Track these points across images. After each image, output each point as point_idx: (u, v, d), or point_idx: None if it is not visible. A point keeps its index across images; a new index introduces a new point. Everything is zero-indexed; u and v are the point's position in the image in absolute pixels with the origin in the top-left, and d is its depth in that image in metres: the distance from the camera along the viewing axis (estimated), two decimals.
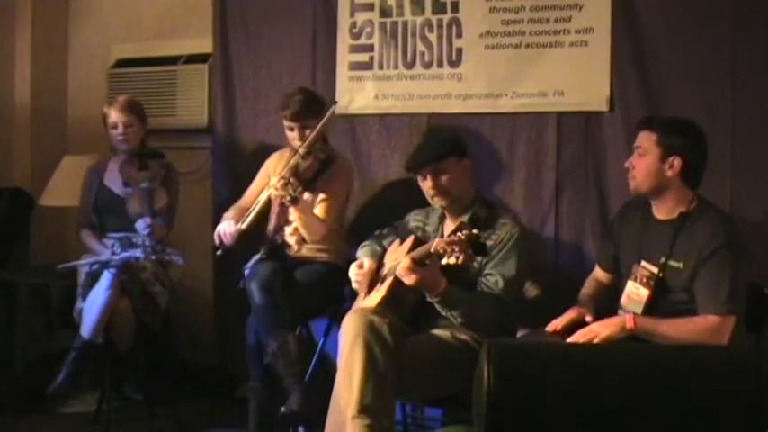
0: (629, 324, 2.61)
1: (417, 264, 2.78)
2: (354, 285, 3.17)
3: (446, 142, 3.11)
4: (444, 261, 2.63)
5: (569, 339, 2.67)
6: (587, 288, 3.03)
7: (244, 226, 3.49)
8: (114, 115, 3.82)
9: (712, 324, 2.54)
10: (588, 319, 2.80)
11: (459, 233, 2.65)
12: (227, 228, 3.51)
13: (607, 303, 2.91)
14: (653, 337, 2.59)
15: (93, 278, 3.55)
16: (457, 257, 2.59)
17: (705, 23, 3.35)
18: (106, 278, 3.49)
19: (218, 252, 3.54)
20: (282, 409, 3.18)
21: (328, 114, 3.51)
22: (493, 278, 2.91)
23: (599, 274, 3.06)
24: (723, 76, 3.31)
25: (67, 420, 3.86)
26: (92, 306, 3.50)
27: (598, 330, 2.65)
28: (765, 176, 3.28)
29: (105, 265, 3.51)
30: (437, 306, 2.88)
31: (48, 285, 4.12)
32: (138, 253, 3.52)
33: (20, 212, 4.42)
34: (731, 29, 3.29)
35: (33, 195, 4.41)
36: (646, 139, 2.73)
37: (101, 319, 3.48)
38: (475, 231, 2.65)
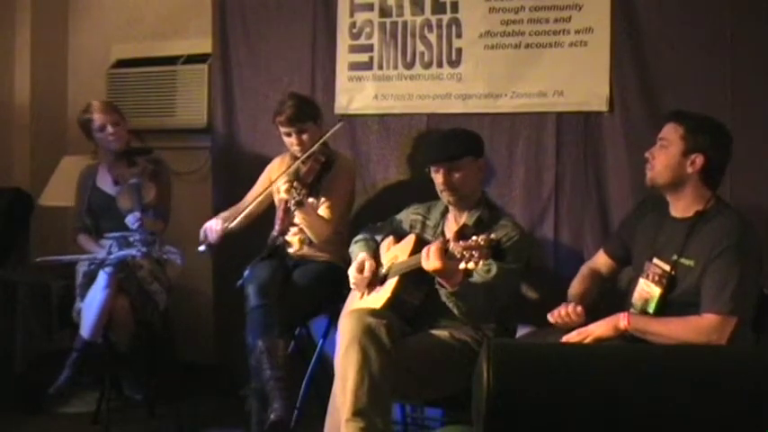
0: (623, 323, 2.60)
1: (445, 252, 2.71)
2: (352, 287, 3.17)
3: (466, 141, 3.11)
4: (462, 266, 2.60)
5: (563, 339, 2.67)
6: (577, 286, 2.99)
7: (231, 225, 3.52)
8: (99, 117, 3.83)
9: (709, 323, 2.51)
10: (579, 310, 2.78)
11: (476, 237, 2.60)
12: (215, 225, 3.55)
13: (599, 303, 2.91)
14: (646, 336, 2.58)
15: (91, 278, 3.56)
16: (476, 263, 2.56)
17: (705, 23, 3.35)
18: (103, 277, 3.49)
19: (201, 248, 3.56)
20: (272, 416, 3.18)
21: (335, 128, 3.53)
22: (486, 267, 2.87)
23: (600, 261, 3.02)
24: (722, 76, 3.31)
25: (67, 420, 3.86)
26: (90, 306, 3.50)
27: (591, 330, 2.65)
28: (765, 176, 3.28)
29: (101, 264, 3.51)
30: (444, 296, 2.84)
31: (48, 285, 4.12)
32: (134, 251, 3.53)
33: (20, 212, 4.42)
34: (731, 29, 3.29)
35: (33, 195, 4.41)
36: (672, 132, 2.69)
37: (99, 318, 3.49)
38: (493, 236, 2.62)
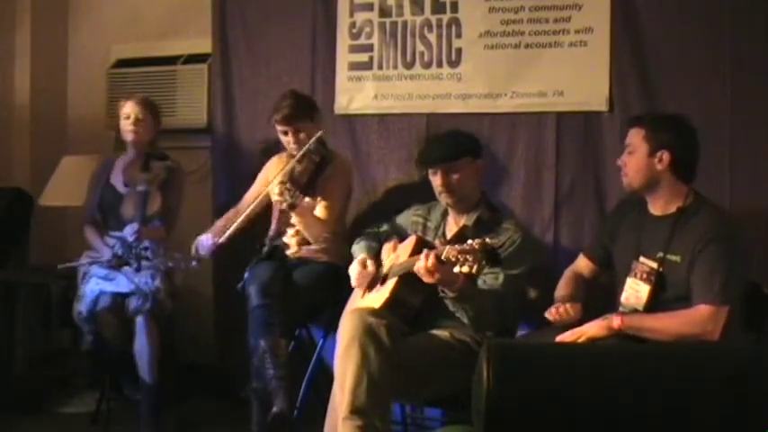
0: (617, 322, 2.62)
1: (440, 262, 2.71)
2: (354, 284, 3.17)
3: (463, 142, 3.11)
4: (457, 269, 2.59)
5: (557, 339, 2.68)
6: (564, 288, 3.00)
7: (221, 240, 3.54)
8: (129, 106, 3.82)
9: (703, 314, 2.54)
10: (577, 306, 2.81)
11: (471, 241, 2.60)
12: (205, 241, 3.58)
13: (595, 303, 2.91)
14: (641, 333, 2.59)
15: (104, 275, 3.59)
16: (471, 267, 2.55)
17: (704, 23, 3.35)
18: (140, 324, 3.55)
19: (193, 263, 3.58)
20: (274, 409, 3.19)
21: (313, 140, 3.48)
22: (493, 275, 2.90)
23: (582, 264, 3.05)
24: (722, 77, 3.32)
25: (67, 420, 3.86)
26: (141, 354, 3.58)
27: (584, 330, 2.66)
28: (765, 176, 3.28)
29: (118, 257, 3.55)
30: (450, 303, 2.85)
31: (48, 285, 4.12)
32: (150, 278, 3.54)
33: (20, 212, 4.41)
34: (730, 29, 3.30)
35: (33, 195, 4.41)
36: (634, 136, 2.76)
37: (153, 362, 3.59)
38: (489, 240, 2.61)
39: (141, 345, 3.58)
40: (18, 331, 4.17)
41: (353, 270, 3.16)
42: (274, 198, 3.45)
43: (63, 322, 3.99)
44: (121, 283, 3.57)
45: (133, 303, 3.56)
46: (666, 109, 3.28)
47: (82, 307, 3.57)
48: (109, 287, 3.57)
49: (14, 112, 4.70)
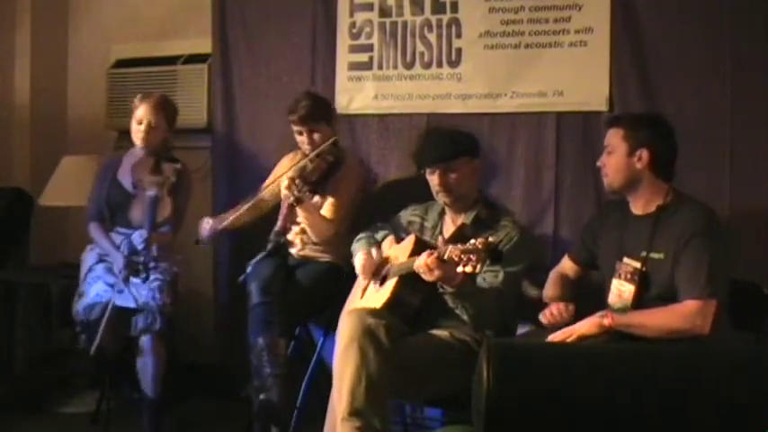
0: (607, 320, 2.62)
1: (442, 262, 2.71)
2: (359, 272, 3.16)
3: (461, 141, 3.10)
4: (460, 269, 2.59)
5: (548, 338, 2.68)
6: (552, 288, 3.00)
7: (220, 227, 3.59)
8: (143, 111, 3.70)
9: (691, 309, 2.53)
10: (570, 308, 2.82)
11: (474, 241, 2.59)
12: (206, 224, 3.63)
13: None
14: (631, 329, 2.58)
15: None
16: (474, 266, 2.55)
17: (704, 23, 3.35)
18: (146, 343, 3.51)
19: (195, 240, 3.66)
20: (261, 396, 3.19)
21: (328, 143, 3.51)
22: (493, 273, 2.89)
23: (567, 266, 3.05)
24: (722, 77, 3.31)
25: (67, 420, 3.86)
26: (144, 370, 3.55)
27: (575, 329, 2.66)
28: (765, 176, 3.28)
29: (133, 264, 3.51)
30: (450, 299, 2.85)
31: (48, 285, 4.12)
32: (157, 295, 3.49)
33: (20, 212, 4.42)
34: (730, 29, 3.29)
35: (33, 195, 4.41)
36: (613, 136, 2.76)
37: (157, 378, 3.56)
38: (491, 239, 2.61)
39: (146, 363, 3.53)
40: (18, 331, 4.18)
41: (359, 258, 3.15)
42: (282, 192, 3.46)
43: (63, 322, 3.98)
44: (129, 298, 3.47)
45: (141, 323, 3.49)
46: (666, 108, 3.28)
47: (81, 306, 3.52)
48: (118, 300, 3.46)
49: (14, 112, 4.71)
